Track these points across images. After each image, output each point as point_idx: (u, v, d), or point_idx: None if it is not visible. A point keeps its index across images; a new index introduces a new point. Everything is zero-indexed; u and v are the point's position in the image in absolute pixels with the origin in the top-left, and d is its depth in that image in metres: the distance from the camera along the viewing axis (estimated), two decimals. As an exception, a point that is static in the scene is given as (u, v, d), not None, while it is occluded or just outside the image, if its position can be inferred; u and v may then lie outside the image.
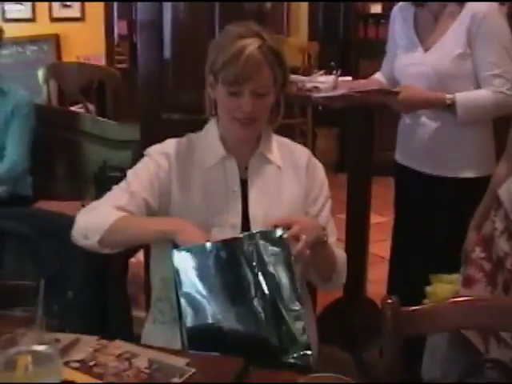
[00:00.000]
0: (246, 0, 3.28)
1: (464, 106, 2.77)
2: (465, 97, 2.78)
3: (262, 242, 1.89)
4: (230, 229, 2.04)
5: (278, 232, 1.89)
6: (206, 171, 2.10)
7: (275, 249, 1.88)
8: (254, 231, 1.95)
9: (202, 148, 2.13)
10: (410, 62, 2.97)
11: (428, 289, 2.48)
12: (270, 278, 1.87)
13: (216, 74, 2.02)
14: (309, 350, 1.88)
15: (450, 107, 2.79)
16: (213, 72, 2.04)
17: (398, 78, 3.07)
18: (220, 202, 2.07)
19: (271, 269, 1.88)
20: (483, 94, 2.78)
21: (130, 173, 2.13)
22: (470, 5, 2.80)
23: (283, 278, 1.87)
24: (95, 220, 2.00)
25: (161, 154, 2.11)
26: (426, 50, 2.91)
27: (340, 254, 2.17)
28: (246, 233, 1.95)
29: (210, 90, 2.08)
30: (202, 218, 2.03)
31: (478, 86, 2.82)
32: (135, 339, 2.11)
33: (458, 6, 2.82)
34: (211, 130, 2.15)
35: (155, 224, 2.00)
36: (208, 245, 1.87)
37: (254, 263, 1.87)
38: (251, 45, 1.96)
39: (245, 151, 2.13)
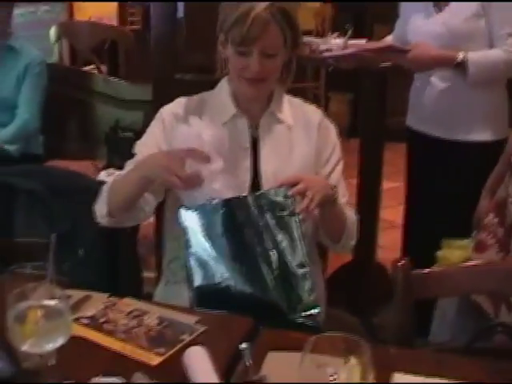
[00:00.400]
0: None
1: (475, 64, 2.74)
2: (476, 55, 2.76)
3: (268, 201, 1.89)
4: (239, 186, 2.03)
5: (284, 190, 1.89)
6: (217, 128, 2.07)
7: (282, 206, 1.88)
8: (261, 191, 1.95)
9: (214, 105, 2.13)
10: (423, 23, 2.95)
11: (439, 253, 2.48)
12: (277, 238, 1.87)
13: (226, 34, 2.02)
14: (316, 308, 1.88)
15: (461, 66, 2.76)
16: (223, 31, 2.03)
17: (411, 39, 3.04)
18: (230, 159, 2.05)
19: (278, 227, 1.88)
20: (495, 53, 2.76)
21: (138, 144, 2.15)
22: None
23: (290, 236, 1.88)
24: (99, 197, 2.06)
25: (169, 115, 2.11)
26: (439, 10, 2.90)
27: (350, 215, 2.16)
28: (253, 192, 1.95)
29: (221, 48, 2.07)
30: (211, 174, 2.01)
31: (492, 48, 2.79)
32: (145, 298, 2.11)
33: None
34: (223, 88, 2.14)
35: (135, 172, 1.99)
36: (215, 203, 1.87)
37: (261, 223, 1.87)
38: (259, 5, 1.95)
39: (256, 110, 2.13)
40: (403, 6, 3.17)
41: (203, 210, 1.88)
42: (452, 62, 2.79)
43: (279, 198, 1.89)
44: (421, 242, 2.96)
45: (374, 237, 3.70)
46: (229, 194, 1.92)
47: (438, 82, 2.91)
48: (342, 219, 2.11)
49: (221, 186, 1.94)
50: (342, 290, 3.39)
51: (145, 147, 2.11)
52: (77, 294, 1.78)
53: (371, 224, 3.64)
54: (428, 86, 2.96)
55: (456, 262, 2.34)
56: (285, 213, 1.88)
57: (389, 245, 4.02)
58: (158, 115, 2.15)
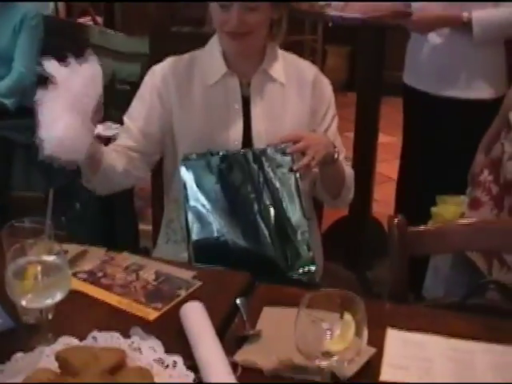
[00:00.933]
0: None
1: (480, 23, 2.72)
2: (481, 14, 2.73)
3: (267, 157, 1.90)
4: (231, 146, 2.03)
5: (284, 147, 1.90)
6: (208, 88, 2.07)
7: (280, 164, 1.90)
8: (261, 147, 1.95)
9: (204, 64, 2.10)
10: None
11: (433, 209, 2.49)
12: (276, 194, 1.89)
13: None
14: (314, 265, 1.90)
15: (466, 25, 2.74)
16: None
17: None
18: (221, 119, 2.06)
19: (277, 184, 1.89)
20: (500, 13, 2.73)
21: (131, 107, 2.13)
22: None
23: (289, 193, 1.89)
24: None
25: (158, 77, 2.09)
26: None
27: (348, 170, 2.17)
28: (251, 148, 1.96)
29: (208, 4, 2.03)
30: (203, 135, 2.03)
31: (496, 7, 2.77)
32: (142, 252, 2.12)
33: None
34: (214, 46, 2.11)
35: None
36: (213, 158, 1.88)
37: (261, 179, 1.88)
38: None
39: (247, 68, 2.10)
40: None
41: (201, 165, 1.90)
42: (458, 22, 2.76)
43: (278, 155, 1.90)
44: (416, 197, 2.97)
45: (369, 191, 3.71)
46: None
47: (434, 37, 2.89)
48: (342, 176, 2.11)
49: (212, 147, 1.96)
50: (337, 245, 3.41)
51: (131, 111, 2.11)
52: (74, 249, 1.79)
53: (367, 178, 3.65)
54: (425, 42, 2.94)
55: (450, 219, 2.36)
56: (284, 169, 1.89)
57: (384, 199, 4.04)
58: (147, 80, 2.12)
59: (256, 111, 2.08)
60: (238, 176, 1.90)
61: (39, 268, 1.39)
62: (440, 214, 2.45)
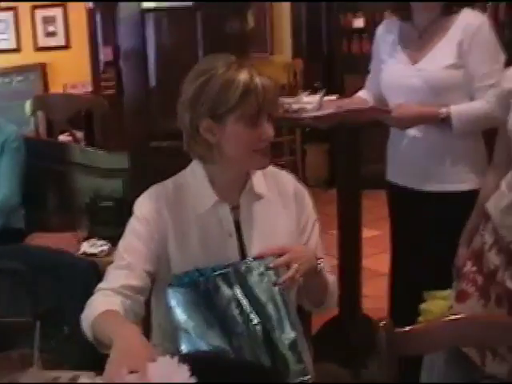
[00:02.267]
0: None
1: (459, 118, 2.77)
2: (459, 109, 2.78)
3: (252, 272, 1.90)
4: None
5: (267, 261, 1.90)
6: (200, 217, 2.04)
7: (265, 278, 1.90)
8: (243, 261, 1.95)
9: (192, 194, 2.06)
10: (399, 75, 2.95)
11: (422, 306, 2.50)
12: (261, 308, 1.88)
13: (222, 116, 1.94)
14: (307, 375, 1.89)
15: (445, 120, 2.80)
16: (213, 116, 1.94)
17: (387, 93, 3.05)
18: (217, 246, 2.03)
19: (263, 299, 1.88)
20: (477, 105, 2.78)
21: (121, 245, 2.04)
22: (460, 19, 2.82)
23: (274, 306, 1.88)
24: (86, 316, 1.89)
25: (150, 210, 2.03)
26: (414, 63, 2.90)
27: (330, 278, 2.17)
28: (236, 262, 1.95)
29: (208, 135, 1.97)
30: (200, 264, 1.97)
31: (471, 97, 2.83)
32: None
33: (446, 22, 2.84)
34: (198, 174, 2.08)
35: (108, 336, 1.75)
36: (200, 278, 1.89)
37: (244, 293, 1.88)
38: (252, 73, 1.94)
39: (235, 191, 2.08)
40: (374, 60, 3.18)
41: (188, 288, 1.88)
42: (436, 118, 2.81)
43: (262, 269, 1.90)
44: (406, 292, 2.97)
45: (358, 287, 3.71)
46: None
47: (412, 132, 2.94)
48: (325, 285, 2.11)
49: None
50: (329, 344, 3.40)
51: (129, 247, 2.01)
52: (65, 375, 1.78)
53: (354, 274, 3.65)
54: (403, 138, 2.99)
55: (440, 313, 2.36)
56: (268, 283, 1.89)
57: (374, 294, 4.03)
58: (136, 213, 2.05)
59: (248, 235, 2.07)
60: (222, 293, 1.89)
61: None
62: (430, 311, 2.45)
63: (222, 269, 1.92)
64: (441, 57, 2.84)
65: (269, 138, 1.97)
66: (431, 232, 2.94)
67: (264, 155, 2.00)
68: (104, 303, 1.88)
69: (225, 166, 2.04)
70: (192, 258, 2.00)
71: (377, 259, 4.53)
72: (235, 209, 2.08)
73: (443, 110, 2.80)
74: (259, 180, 2.12)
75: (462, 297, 2.31)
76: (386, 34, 3.06)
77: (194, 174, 2.09)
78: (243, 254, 2.05)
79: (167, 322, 1.92)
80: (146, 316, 2.14)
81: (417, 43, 2.92)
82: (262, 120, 1.94)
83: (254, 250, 2.05)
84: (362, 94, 3.28)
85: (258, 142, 1.96)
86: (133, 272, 1.97)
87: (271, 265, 1.90)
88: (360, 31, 7.23)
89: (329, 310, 3.40)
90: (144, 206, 2.05)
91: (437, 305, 2.44)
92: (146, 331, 2.14)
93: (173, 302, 1.89)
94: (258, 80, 1.93)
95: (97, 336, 1.81)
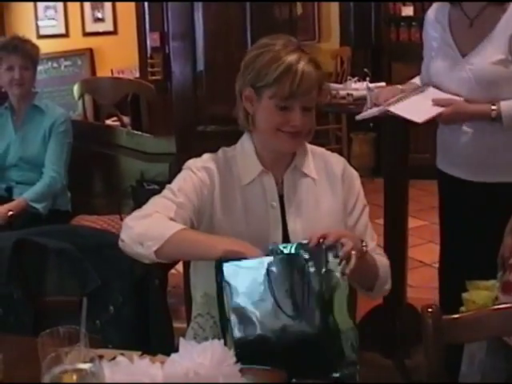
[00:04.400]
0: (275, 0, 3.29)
1: (509, 115, 2.73)
2: (508, 105, 2.73)
3: (317, 260, 1.84)
4: (271, 244, 2.02)
5: (334, 251, 1.84)
6: (245, 188, 2.09)
7: (328, 265, 1.84)
8: (304, 252, 1.87)
9: (239, 164, 2.12)
10: (449, 67, 2.90)
11: (465, 295, 2.46)
12: (322, 295, 1.84)
13: (261, 89, 2.02)
14: (356, 366, 1.86)
15: (495, 120, 2.75)
16: (255, 86, 2.03)
17: (437, 81, 2.98)
18: (260, 217, 2.07)
19: (324, 285, 1.85)
20: None
21: (174, 184, 2.07)
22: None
23: (335, 294, 1.85)
24: (154, 228, 1.92)
25: (203, 168, 2.08)
26: (464, 55, 2.84)
27: (382, 261, 2.15)
28: (298, 250, 1.88)
29: (248, 104, 2.07)
30: (243, 234, 1.99)
31: None
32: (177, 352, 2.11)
33: (498, 10, 2.76)
34: (246, 146, 2.14)
35: (223, 243, 1.88)
36: (257, 260, 1.83)
37: (306, 279, 1.84)
38: (301, 59, 1.98)
39: (280, 165, 2.13)
40: (425, 48, 3.10)
41: (245, 266, 1.82)
42: (487, 117, 2.76)
43: (331, 259, 1.85)
44: (454, 283, 2.93)
45: (403, 277, 3.69)
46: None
47: (467, 128, 2.88)
48: (374, 268, 2.10)
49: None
50: (374, 334, 3.38)
51: (181, 188, 2.04)
52: (109, 354, 1.79)
53: (400, 264, 3.63)
54: (457, 133, 2.93)
55: (482, 304, 2.33)
56: (330, 271, 1.84)
57: (419, 284, 4.01)
58: (189, 168, 2.10)
59: (291, 209, 2.10)
60: (283, 277, 1.83)
61: (74, 377, 1.40)
62: (471, 301, 2.41)
63: (285, 254, 1.85)
64: (491, 51, 2.77)
65: (295, 126, 2.01)
66: (480, 222, 2.90)
67: (289, 139, 2.04)
68: (174, 223, 1.94)
69: (259, 138, 2.11)
70: (235, 223, 2.05)
71: (422, 249, 4.51)
72: (280, 183, 2.12)
73: (493, 108, 2.73)
74: (307, 159, 2.16)
75: (508, 288, 2.27)
76: (436, 21, 2.99)
77: (243, 146, 2.16)
78: (284, 228, 2.07)
79: (214, 290, 1.88)
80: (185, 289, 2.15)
81: (467, 32, 2.86)
82: (294, 106, 1.99)
83: (295, 225, 2.07)
84: (416, 80, 3.21)
85: (284, 125, 2.01)
86: (182, 211, 2.00)
87: (340, 253, 1.84)
88: (409, 19, 7.15)
89: (373, 300, 3.43)
90: (198, 164, 2.09)
91: (479, 295, 2.40)
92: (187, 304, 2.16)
93: (228, 278, 1.82)
94: (301, 66, 1.97)
95: (179, 247, 1.90)
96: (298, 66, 1.97)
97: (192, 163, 2.12)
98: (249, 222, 2.06)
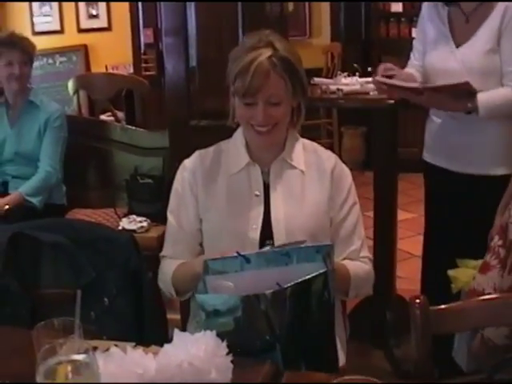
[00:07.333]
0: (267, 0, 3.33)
1: (484, 106, 2.76)
2: (485, 97, 2.78)
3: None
4: (250, 230, 2.10)
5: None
6: (232, 177, 2.17)
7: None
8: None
9: (229, 155, 2.21)
10: (442, 57, 2.96)
11: (450, 272, 2.49)
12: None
13: (232, 85, 2.09)
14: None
15: (472, 112, 2.80)
16: (230, 83, 2.10)
17: (430, 73, 3.04)
18: (243, 205, 2.14)
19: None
20: (503, 92, 2.78)
21: (169, 209, 2.26)
22: (500, 3, 2.80)
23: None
24: (163, 280, 2.24)
25: (185, 170, 2.23)
26: (458, 46, 2.91)
27: (362, 268, 2.18)
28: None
29: (232, 99, 2.14)
30: (224, 221, 2.12)
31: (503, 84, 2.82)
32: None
33: (490, 6, 2.83)
34: (238, 138, 2.22)
35: (189, 269, 2.09)
36: (231, 297, 1.75)
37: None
38: (261, 55, 2.02)
39: (268, 156, 2.19)
40: (419, 38, 3.15)
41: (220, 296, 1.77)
42: (464, 110, 2.82)
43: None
44: (442, 273, 2.98)
45: (392, 268, 3.74)
46: (237, 244, 1.97)
47: (453, 120, 2.94)
48: (345, 280, 2.11)
49: (229, 232, 2.06)
50: (363, 324, 3.43)
51: (177, 211, 2.24)
52: (103, 345, 1.81)
53: (389, 256, 3.68)
54: (440, 121, 3.00)
55: (466, 281, 2.37)
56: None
57: (408, 275, 4.06)
58: (178, 175, 2.25)
59: (275, 196, 2.15)
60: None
61: (69, 368, 1.41)
62: (456, 277, 2.44)
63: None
64: (481, 42, 2.84)
65: (258, 121, 2.07)
66: (466, 213, 2.95)
67: (258, 134, 2.10)
68: (169, 265, 2.21)
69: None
70: (215, 214, 2.15)
71: (411, 241, 4.55)
72: (267, 173, 2.18)
73: (469, 103, 2.78)
74: (296, 153, 2.20)
75: (484, 268, 2.28)
76: (434, 14, 3.04)
77: (234, 139, 2.23)
78: (268, 215, 2.12)
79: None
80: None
81: (464, 27, 2.93)
82: (257, 101, 2.04)
83: (278, 213, 2.12)
84: (410, 70, 3.22)
85: (250, 119, 2.09)
86: (189, 244, 2.22)
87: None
88: (398, 15, 7.21)
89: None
90: (184, 168, 2.24)
91: (464, 273, 2.43)
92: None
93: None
94: (256, 64, 2.01)
95: (179, 284, 2.17)
96: (254, 63, 2.00)
97: (182, 165, 2.26)
98: (230, 209, 2.13)
